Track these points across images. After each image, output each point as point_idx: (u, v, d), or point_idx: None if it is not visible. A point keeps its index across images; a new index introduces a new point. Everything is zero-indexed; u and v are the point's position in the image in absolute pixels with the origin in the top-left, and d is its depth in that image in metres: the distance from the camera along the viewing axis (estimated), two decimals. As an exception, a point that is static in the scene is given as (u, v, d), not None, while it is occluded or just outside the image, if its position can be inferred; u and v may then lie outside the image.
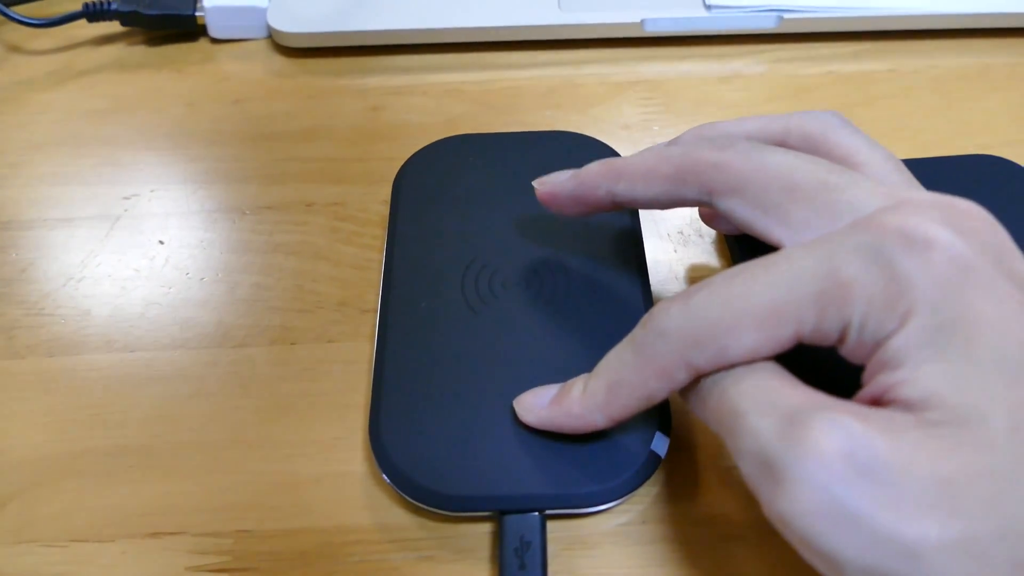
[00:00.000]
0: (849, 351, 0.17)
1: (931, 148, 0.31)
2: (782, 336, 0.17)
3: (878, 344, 0.17)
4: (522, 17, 0.35)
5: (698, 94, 0.34)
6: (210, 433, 0.24)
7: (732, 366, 0.18)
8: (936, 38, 0.36)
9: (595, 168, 0.22)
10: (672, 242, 0.29)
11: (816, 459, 0.15)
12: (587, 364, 0.23)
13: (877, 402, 0.16)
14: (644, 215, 0.28)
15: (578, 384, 0.21)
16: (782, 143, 0.22)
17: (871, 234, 0.17)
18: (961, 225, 0.17)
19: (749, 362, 0.18)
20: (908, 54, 0.35)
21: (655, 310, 0.19)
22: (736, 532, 0.22)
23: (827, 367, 0.18)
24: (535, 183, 0.24)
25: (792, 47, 0.36)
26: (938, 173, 0.28)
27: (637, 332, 0.19)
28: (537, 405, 0.22)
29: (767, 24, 0.35)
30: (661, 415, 0.22)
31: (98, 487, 0.23)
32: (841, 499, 0.15)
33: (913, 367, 0.16)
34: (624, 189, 0.22)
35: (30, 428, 0.25)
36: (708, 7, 0.35)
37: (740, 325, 0.17)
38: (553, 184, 0.23)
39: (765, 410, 0.16)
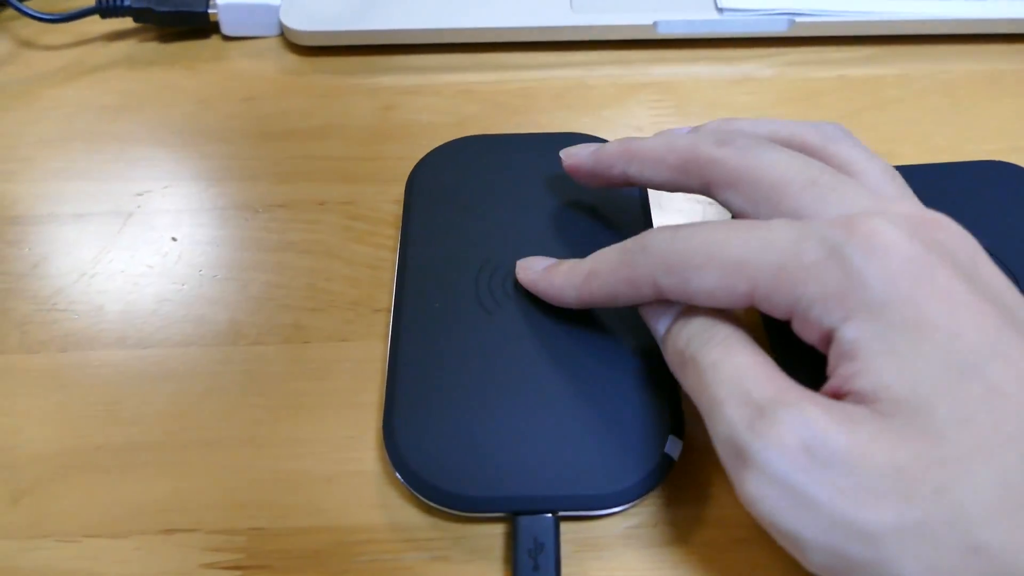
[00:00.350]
0: (798, 329, 0.19)
1: (941, 153, 0.31)
2: (738, 290, 0.19)
3: (825, 331, 0.18)
4: (534, 18, 0.35)
5: (709, 96, 0.34)
6: (223, 430, 0.24)
7: (693, 307, 0.20)
8: (947, 43, 0.36)
9: (613, 148, 0.24)
10: (684, 245, 0.29)
11: (779, 450, 0.17)
12: (600, 364, 0.23)
13: (837, 393, 0.18)
14: (655, 214, 0.28)
15: (569, 263, 0.23)
16: (787, 143, 0.23)
17: (840, 232, 0.18)
18: (927, 234, 0.18)
19: (710, 311, 0.20)
20: (919, 59, 0.35)
21: (653, 229, 0.21)
22: (748, 535, 0.22)
23: (812, 353, 0.20)
24: (562, 153, 0.26)
25: (803, 50, 0.36)
26: (948, 179, 0.28)
27: (629, 241, 0.21)
28: (532, 268, 0.24)
29: (778, 27, 0.35)
30: (674, 418, 0.22)
31: (111, 483, 0.23)
32: (802, 487, 0.16)
33: (866, 360, 0.17)
34: (636, 171, 0.23)
35: (43, 423, 0.25)
36: (720, 10, 0.35)
37: (707, 265, 0.19)
38: (577, 158, 0.25)
39: (739, 400, 0.18)
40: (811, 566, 0.17)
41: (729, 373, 0.19)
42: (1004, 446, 0.16)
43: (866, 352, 0.17)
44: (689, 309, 0.21)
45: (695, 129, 0.25)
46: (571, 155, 0.25)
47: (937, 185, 0.28)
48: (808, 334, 0.19)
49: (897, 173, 0.22)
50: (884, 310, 0.17)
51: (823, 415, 0.17)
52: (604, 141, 0.29)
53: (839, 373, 0.18)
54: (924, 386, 0.16)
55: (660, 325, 0.22)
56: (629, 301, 0.22)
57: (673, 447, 0.22)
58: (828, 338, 0.18)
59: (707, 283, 0.19)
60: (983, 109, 0.33)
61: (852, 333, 0.17)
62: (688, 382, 0.20)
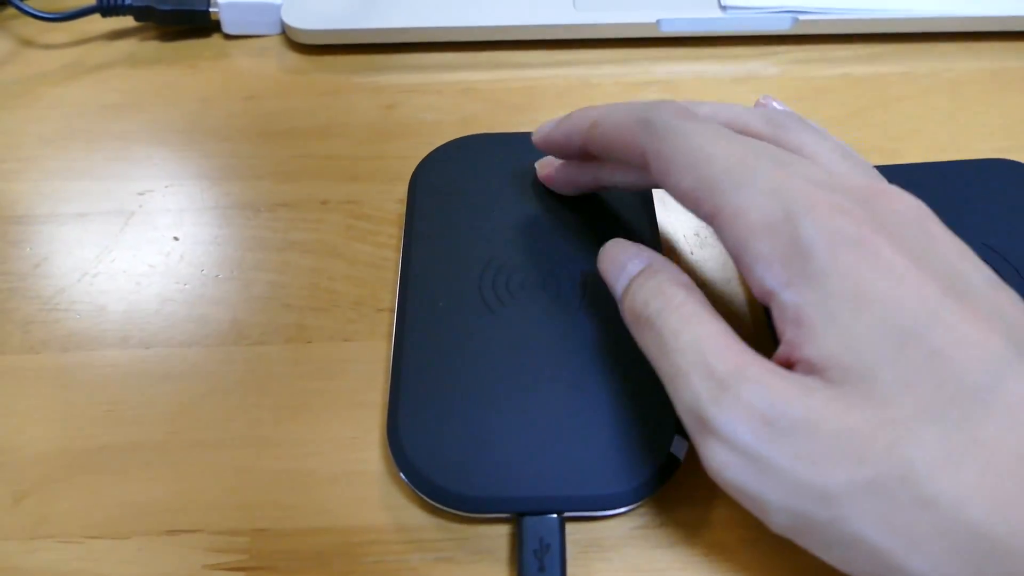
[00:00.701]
0: (743, 275, 0.20)
1: (945, 151, 0.31)
2: (702, 209, 0.20)
3: (767, 290, 0.19)
4: (537, 16, 0.35)
5: (712, 95, 0.34)
6: (226, 431, 0.24)
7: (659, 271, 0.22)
8: (951, 41, 0.35)
9: (576, 114, 0.25)
10: (689, 244, 0.29)
11: (742, 422, 0.18)
12: (605, 364, 0.23)
13: (788, 360, 0.19)
14: (661, 216, 0.28)
15: (584, 111, 0.24)
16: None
17: (801, 201, 0.19)
18: (879, 207, 0.19)
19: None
20: (923, 57, 0.35)
21: (665, 103, 0.22)
22: (754, 536, 0.22)
23: None
24: (536, 164, 0.27)
25: (807, 49, 0.36)
26: (952, 177, 0.28)
27: (640, 104, 0.23)
28: (544, 125, 0.26)
29: (782, 25, 0.35)
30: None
31: (114, 484, 0.23)
32: (764, 455, 0.17)
33: (811, 328, 0.18)
34: (597, 140, 0.24)
35: (46, 424, 0.25)
36: (723, 8, 0.35)
37: (687, 172, 0.20)
38: (542, 133, 0.26)
39: (702, 372, 0.19)
40: (776, 527, 0.18)
41: (690, 342, 0.19)
42: (946, 405, 0.17)
43: (810, 320, 0.18)
44: (648, 270, 0.22)
45: (655, 103, 0.25)
46: (545, 165, 0.27)
47: (941, 183, 0.28)
48: (750, 284, 0.20)
49: (851, 150, 0.23)
50: (826, 279, 0.18)
51: (780, 387, 0.18)
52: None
53: (787, 339, 0.19)
54: (868, 354, 0.17)
55: (618, 284, 0.22)
56: (622, 159, 0.23)
57: (679, 447, 0.22)
58: (768, 297, 0.19)
59: (683, 184, 0.20)
60: (987, 107, 0.33)
61: (794, 298, 0.18)
62: (646, 344, 0.21)
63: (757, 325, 0.26)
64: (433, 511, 0.22)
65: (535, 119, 0.33)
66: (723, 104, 0.24)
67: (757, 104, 0.27)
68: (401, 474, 0.22)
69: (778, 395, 0.18)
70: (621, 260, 0.23)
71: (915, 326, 0.17)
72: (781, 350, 0.19)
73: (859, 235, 0.18)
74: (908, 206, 0.19)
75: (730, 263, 0.28)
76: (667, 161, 0.21)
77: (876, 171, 0.23)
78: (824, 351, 0.18)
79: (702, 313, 0.20)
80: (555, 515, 0.21)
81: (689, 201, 0.21)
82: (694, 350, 0.19)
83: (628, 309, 0.22)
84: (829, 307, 0.18)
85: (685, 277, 0.21)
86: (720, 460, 0.18)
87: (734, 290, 0.27)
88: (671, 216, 0.29)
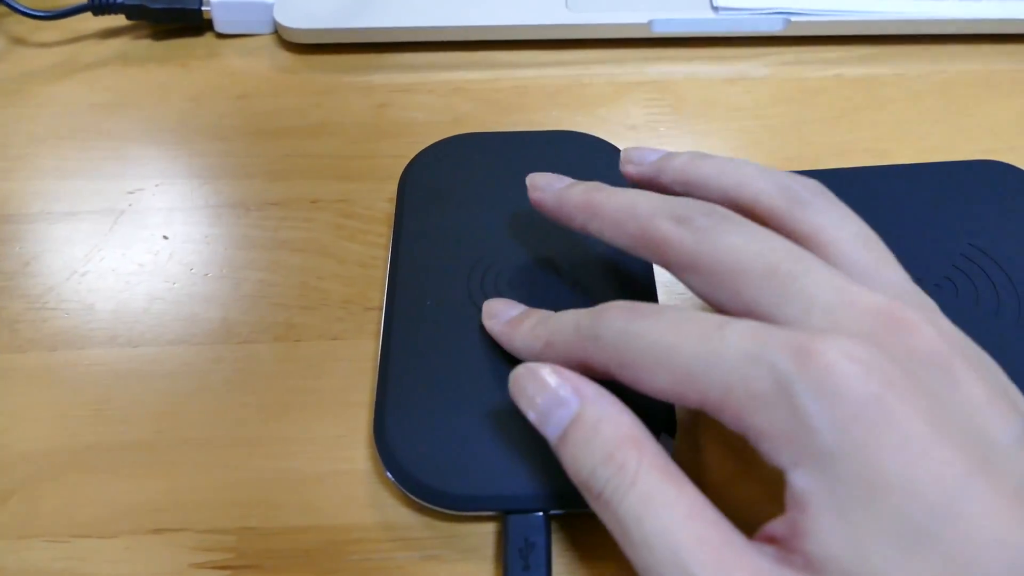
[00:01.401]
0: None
1: (936, 153, 0.31)
2: (689, 399, 0.18)
3: (777, 469, 0.17)
4: (529, 16, 0.35)
5: (705, 95, 0.34)
6: (214, 429, 0.24)
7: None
8: (943, 43, 0.36)
9: (576, 198, 0.23)
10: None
11: None
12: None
13: (786, 542, 0.16)
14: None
15: (532, 319, 0.22)
16: (751, 208, 0.21)
17: (791, 363, 0.16)
18: (896, 345, 0.17)
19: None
20: (915, 59, 0.35)
21: (610, 310, 0.20)
22: (740, 535, 0.22)
23: None
24: (528, 179, 0.24)
25: (799, 50, 0.36)
26: (942, 178, 0.28)
27: (584, 318, 0.20)
28: (498, 316, 0.23)
29: (774, 26, 0.35)
30: (665, 416, 0.22)
31: (101, 482, 0.23)
32: None
33: (815, 519, 0.16)
34: (596, 229, 0.22)
35: (33, 422, 0.25)
36: (715, 9, 0.35)
37: (658, 370, 0.18)
38: (541, 194, 0.24)
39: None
40: None
41: (657, 535, 0.17)
42: None
43: (815, 508, 0.16)
44: (580, 420, 0.19)
45: (665, 158, 0.23)
46: (536, 188, 0.24)
47: (931, 184, 0.28)
48: (765, 459, 0.17)
49: (873, 235, 0.20)
50: (834, 462, 0.16)
51: None
52: (599, 140, 0.29)
53: (790, 520, 0.16)
54: (875, 558, 0.15)
55: (550, 431, 0.19)
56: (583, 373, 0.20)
57: (665, 445, 0.22)
58: (780, 475, 0.17)
59: (658, 384, 0.18)
60: (978, 109, 0.33)
61: (801, 482, 0.16)
62: (606, 521, 0.18)
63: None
64: (420, 509, 0.22)
65: (526, 119, 0.33)
66: (732, 163, 0.22)
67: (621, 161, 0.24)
68: (387, 472, 0.22)
69: None
70: (541, 403, 0.19)
71: (931, 524, 0.15)
72: (780, 527, 0.17)
73: (867, 396, 0.16)
74: (930, 343, 0.17)
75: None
76: (633, 369, 0.19)
77: (900, 267, 0.20)
78: (828, 551, 0.16)
79: (665, 486, 0.17)
80: (540, 513, 0.21)
81: (675, 399, 0.18)
82: (663, 547, 0.16)
83: (573, 474, 0.19)
84: (838, 497, 0.16)
85: (629, 418, 0.19)
86: None
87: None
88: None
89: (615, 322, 0.19)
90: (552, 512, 0.21)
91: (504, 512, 0.21)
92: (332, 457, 0.24)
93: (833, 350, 0.16)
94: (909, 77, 0.34)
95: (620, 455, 0.18)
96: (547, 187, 0.24)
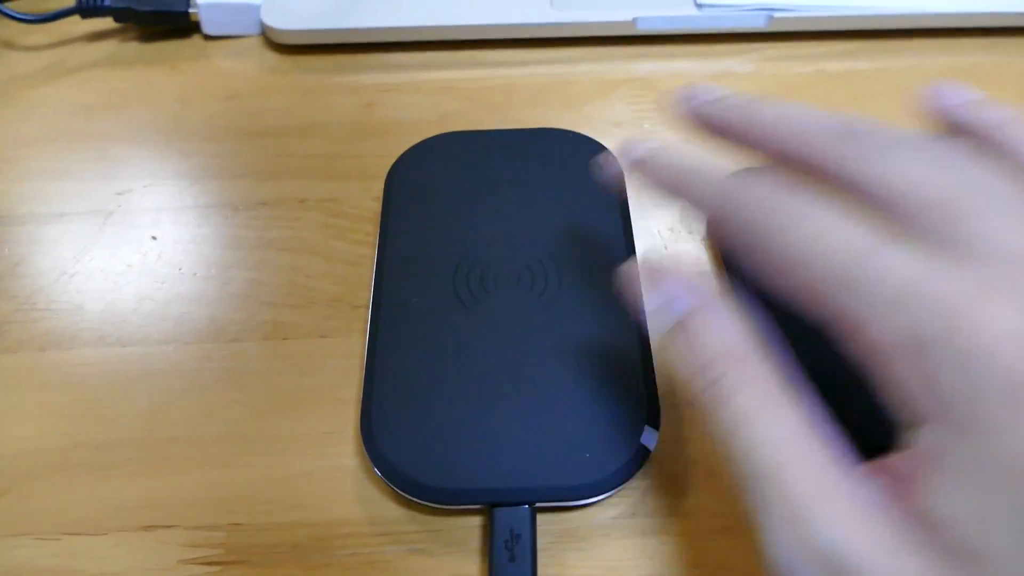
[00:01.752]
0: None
1: (919, 147, 0.32)
2: (816, 309, 0.17)
3: (904, 418, 0.16)
4: (515, 15, 0.35)
5: (689, 92, 0.34)
6: (203, 427, 0.24)
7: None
8: (925, 37, 0.36)
9: (733, 111, 0.21)
10: (662, 239, 0.29)
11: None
12: (576, 356, 0.24)
13: (904, 482, 0.16)
14: (634, 212, 0.28)
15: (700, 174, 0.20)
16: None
17: (938, 321, 0.15)
18: None
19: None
20: (897, 53, 0.35)
21: (754, 186, 0.18)
22: (724, 525, 0.22)
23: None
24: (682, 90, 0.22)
25: (781, 46, 0.36)
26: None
27: (727, 184, 0.19)
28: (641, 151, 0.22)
29: (757, 23, 0.35)
30: (650, 409, 0.23)
31: (91, 481, 0.23)
32: None
33: (940, 477, 0.15)
34: (754, 139, 0.20)
35: (23, 422, 0.25)
36: (699, 6, 0.35)
37: (794, 273, 0.17)
38: (694, 101, 0.22)
39: (779, 514, 0.16)
40: None
41: (748, 451, 0.17)
42: None
43: (942, 468, 0.15)
44: (690, 325, 0.18)
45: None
46: (691, 97, 0.22)
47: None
48: (886, 398, 0.16)
49: None
50: (969, 433, 0.15)
51: (881, 557, 0.15)
52: (585, 137, 0.29)
53: (912, 465, 0.16)
54: (995, 536, 0.14)
55: (663, 321, 0.19)
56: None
57: (649, 438, 0.22)
58: (904, 417, 0.16)
59: (790, 284, 0.17)
60: (960, 102, 0.33)
61: (933, 438, 0.15)
62: (727, 447, 0.17)
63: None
64: (406, 504, 0.23)
65: (513, 117, 0.33)
66: (792, 108, 0.20)
67: (929, 92, 0.21)
68: (374, 468, 0.22)
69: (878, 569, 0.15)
70: (656, 296, 0.19)
71: None
72: (903, 465, 0.16)
73: (1015, 379, 0.14)
74: None
75: (703, 256, 0.28)
76: (766, 262, 0.17)
77: None
78: (949, 511, 0.15)
79: (762, 404, 0.17)
80: (526, 506, 0.21)
81: (802, 303, 0.17)
82: (754, 461, 0.16)
83: (679, 369, 0.19)
84: (968, 464, 0.15)
85: (737, 331, 0.18)
86: None
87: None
88: (646, 222, 0.29)
89: (753, 204, 0.18)
90: (538, 505, 0.22)
91: (490, 505, 0.21)
92: (320, 453, 0.24)
93: (992, 322, 0.15)
94: (891, 72, 0.35)
95: (719, 366, 0.18)
96: (700, 94, 0.22)
